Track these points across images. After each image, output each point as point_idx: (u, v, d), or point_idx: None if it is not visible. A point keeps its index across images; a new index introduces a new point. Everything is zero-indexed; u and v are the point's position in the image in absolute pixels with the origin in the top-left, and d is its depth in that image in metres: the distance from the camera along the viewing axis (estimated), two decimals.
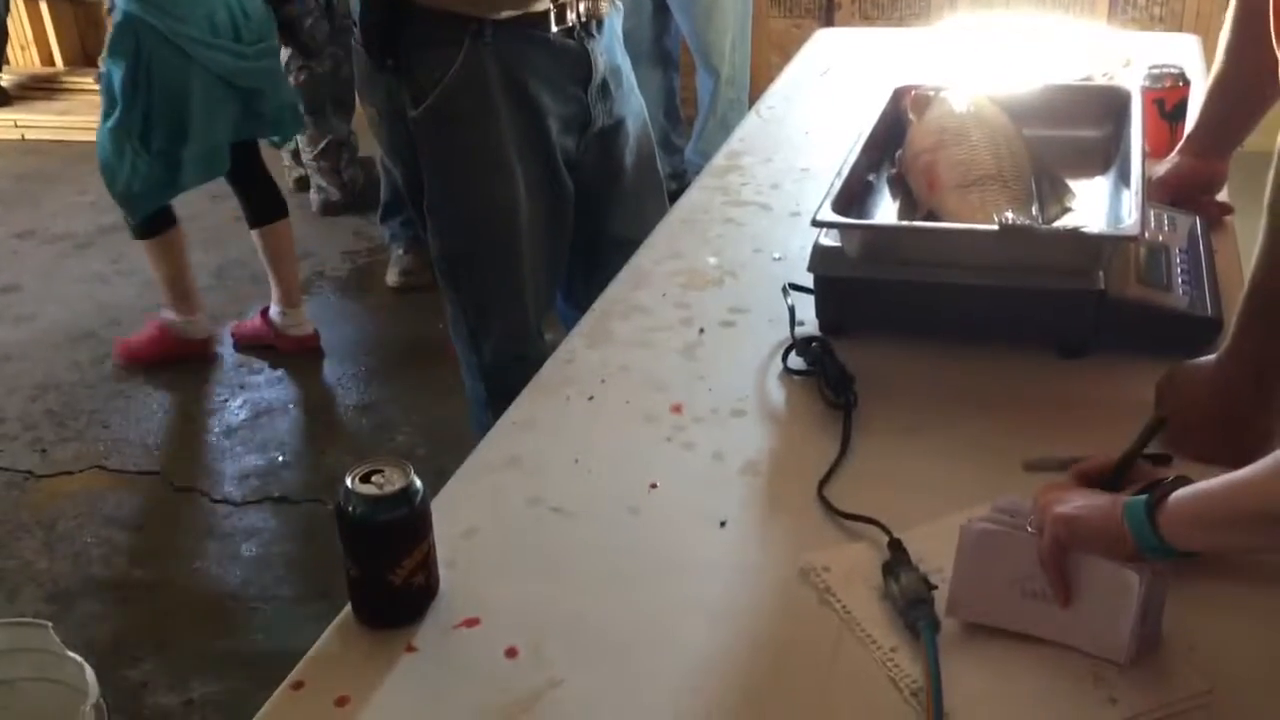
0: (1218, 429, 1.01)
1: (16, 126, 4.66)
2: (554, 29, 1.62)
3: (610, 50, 1.72)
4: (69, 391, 2.91)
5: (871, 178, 1.43)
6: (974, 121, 1.37)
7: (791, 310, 1.29)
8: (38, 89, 4.88)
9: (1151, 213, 1.32)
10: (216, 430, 2.74)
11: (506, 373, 1.62)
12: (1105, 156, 1.46)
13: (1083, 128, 1.51)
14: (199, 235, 3.78)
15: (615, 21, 1.74)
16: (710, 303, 1.40)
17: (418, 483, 0.90)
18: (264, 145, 3.02)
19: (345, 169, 3.84)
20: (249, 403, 2.84)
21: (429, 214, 1.66)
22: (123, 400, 2.86)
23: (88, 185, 4.17)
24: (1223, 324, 1.15)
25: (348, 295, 3.40)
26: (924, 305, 1.23)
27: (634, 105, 1.80)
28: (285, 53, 3.66)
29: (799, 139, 1.91)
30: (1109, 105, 1.50)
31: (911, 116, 1.46)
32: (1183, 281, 1.22)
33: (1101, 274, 1.15)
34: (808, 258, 1.27)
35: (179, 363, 3.00)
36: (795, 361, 1.23)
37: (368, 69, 1.64)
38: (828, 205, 1.23)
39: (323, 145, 3.78)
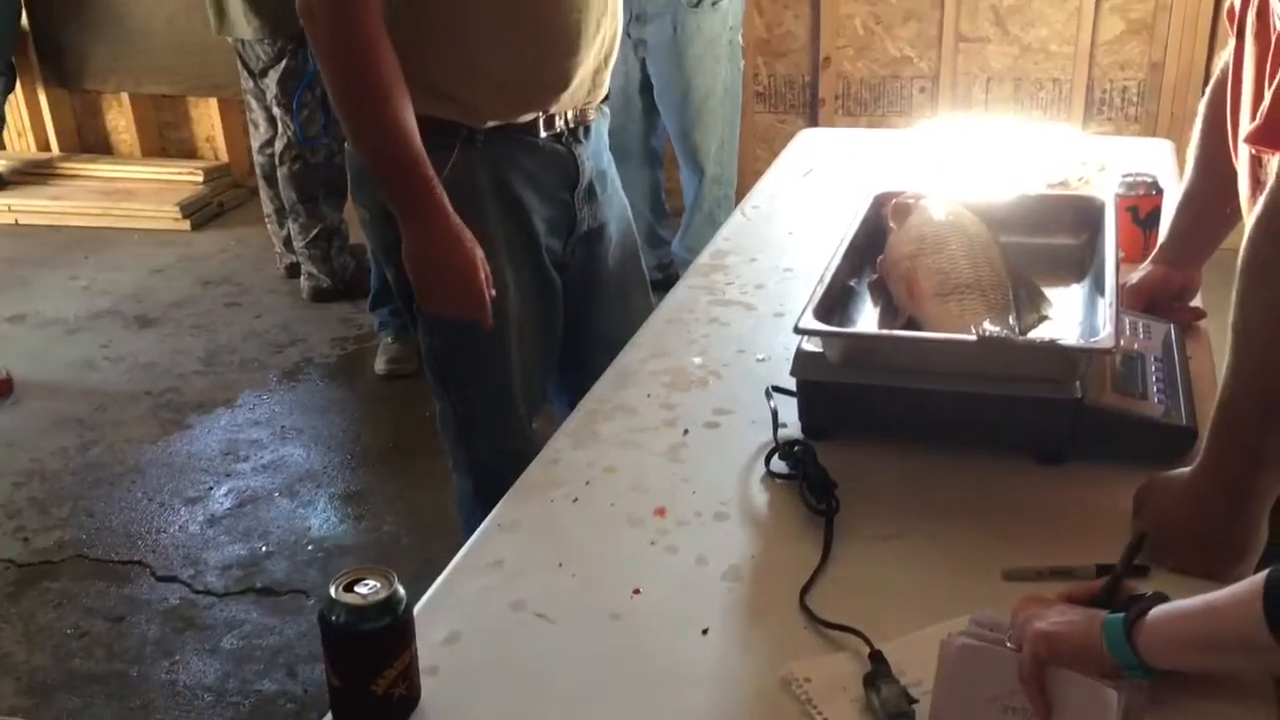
0: (1195, 542, 1.03)
1: (10, 211, 4.70)
2: (542, 135, 1.66)
3: (597, 155, 1.76)
4: (54, 478, 2.90)
5: (853, 283, 1.46)
6: (952, 230, 1.41)
7: (774, 413, 1.30)
8: (33, 174, 4.93)
9: (1126, 320, 1.35)
10: (201, 518, 2.73)
11: (495, 468, 1.63)
12: (1080, 265, 1.49)
13: (1058, 236, 1.55)
14: (189, 320, 3.82)
15: (602, 127, 1.78)
16: (695, 403, 1.42)
17: (401, 591, 0.90)
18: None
19: (336, 256, 3.88)
20: (234, 491, 2.83)
21: (419, 313, 1.68)
22: (107, 487, 2.85)
23: (79, 270, 4.21)
24: (1197, 433, 1.17)
25: (335, 382, 3.41)
26: (905, 411, 1.25)
27: (618, 207, 1.84)
28: (280, 142, 3.74)
29: (783, 239, 1.95)
30: (1083, 214, 1.54)
31: (892, 224, 1.50)
32: (1158, 390, 1.24)
33: (1078, 383, 1.18)
34: (791, 360, 1.30)
35: (166, 450, 3.00)
36: (778, 465, 1.24)
37: (361, 171, 1.67)
38: (810, 312, 1.26)
39: (314, 233, 3.82)
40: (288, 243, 3.99)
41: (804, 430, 1.30)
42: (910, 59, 3.98)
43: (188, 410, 3.22)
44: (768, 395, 1.34)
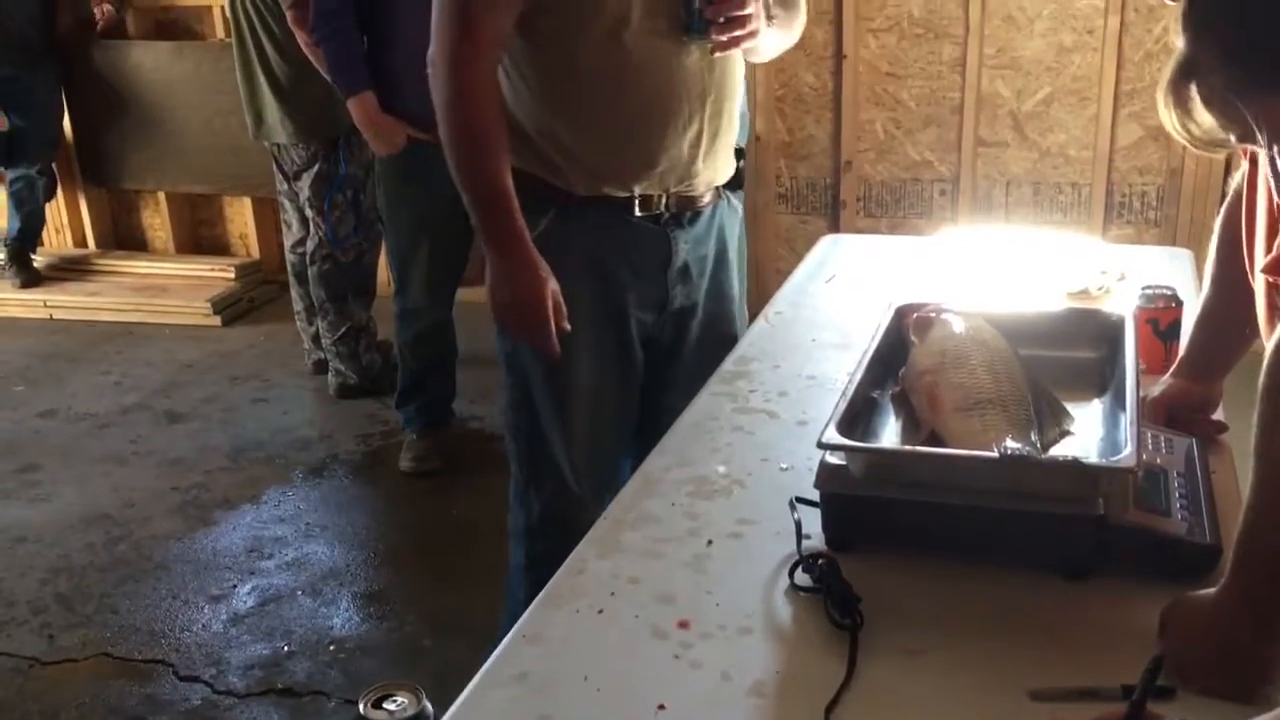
0: (1220, 663, 1.02)
1: (45, 306, 4.80)
2: (636, 213, 1.77)
3: (700, 240, 1.86)
4: (80, 575, 2.92)
5: (875, 394, 1.48)
6: (973, 345, 1.43)
7: (798, 525, 1.31)
8: (69, 270, 5.05)
9: (1148, 435, 1.36)
10: (224, 617, 2.73)
11: (549, 538, 1.68)
12: (1101, 378, 1.51)
13: (1079, 349, 1.56)
14: (218, 415, 3.86)
15: (724, 213, 1.90)
16: (719, 513, 1.43)
17: (429, 708, 0.91)
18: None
19: (364, 354, 3.94)
20: (258, 589, 2.84)
21: (501, 365, 1.75)
22: (133, 584, 2.87)
23: (111, 365, 4.28)
24: (1221, 550, 1.17)
25: (360, 479, 3.44)
26: (928, 525, 1.25)
27: (721, 290, 1.96)
28: (311, 243, 3.82)
29: (806, 346, 1.97)
30: (1104, 329, 1.56)
31: (914, 338, 1.52)
32: (1181, 506, 1.24)
33: (1100, 500, 1.18)
34: (814, 470, 1.31)
35: (191, 546, 3.02)
36: (802, 578, 1.25)
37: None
38: (833, 426, 1.27)
39: (342, 331, 3.88)
40: (316, 339, 4.05)
41: (828, 542, 1.30)
42: (931, 163, 4.05)
43: (214, 506, 3.25)
44: (791, 507, 1.35)
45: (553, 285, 1.71)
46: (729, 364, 1.91)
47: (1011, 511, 1.20)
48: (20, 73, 4.62)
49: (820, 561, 1.24)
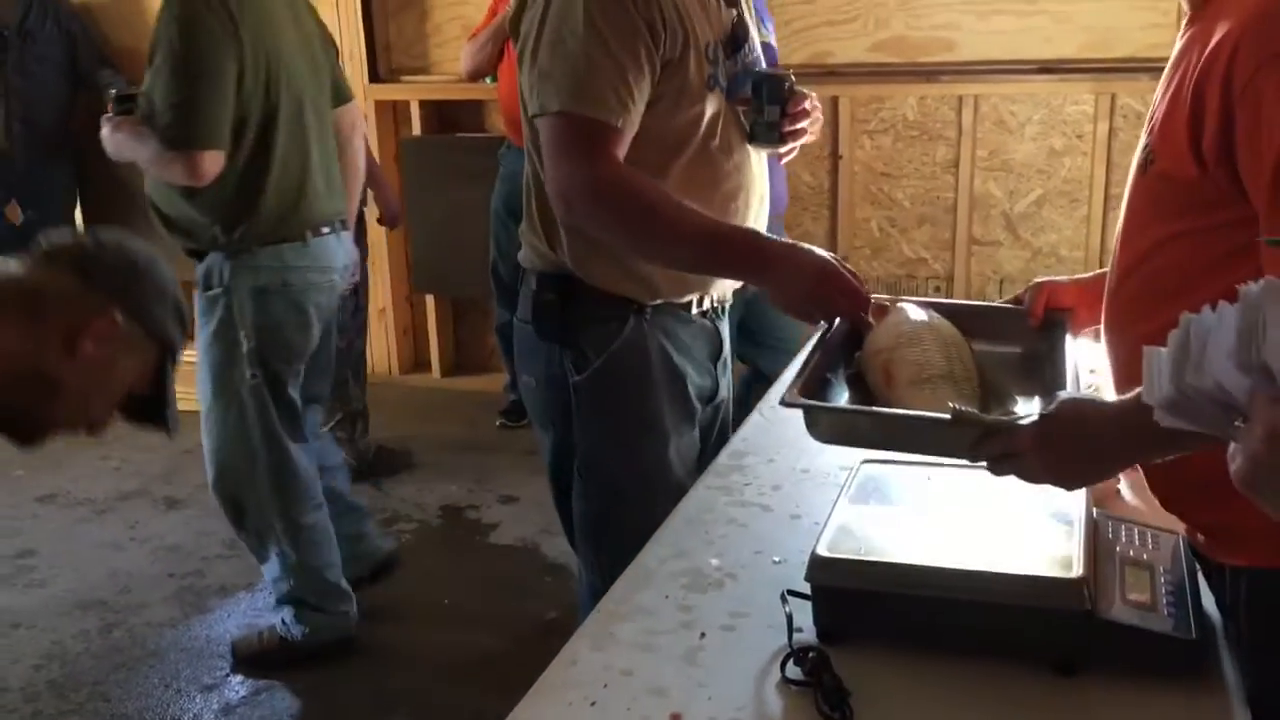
0: (1081, 452, 1.16)
1: None
2: (694, 311, 1.87)
3: (727, 333, 1.97)
4: (74, 661, 2.90)
5: (830, 376, 1.56)
6: (926, 328, 1.54)
7: (789, 618, 1.33)
8: None
9: (1136, 531, 1.38)
10: (215, 706, 2.72)
11: None
12: (1042, 375, 1.57)
13: (1023, 344, 1.66)
14: (215, 501, 3.86)
15: (731, 311, 2.00)
16: (712, 606, 1.44)
17: None
18: None
19: (360, 439, 3.96)
20: (250, 679, 2.82)
21: (579, 476, 1.80)
22: (125, 672, 2.85)
23: (111, 450, 4.29)
24: (1207, 647, 1.19)
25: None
26: (919, 618, 1.27)
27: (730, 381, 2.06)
28: None
29: (800, 439, 1.99)
30: (1046, 326, 1.66)
31: (871, 321, 1.62)
32: (1167, 602, 1.26)
33: (1086, 593, 1.20)
34: (806, 563, 1.33)
35: (186, 634, 3.01)
36: (793, 671, 1.26)
37: (529, 341, 1.87)
38: (794, 390, 1.39)
39: (340, 417, 3.91)
40: None
41: (819, 635, 1.32)
42: (925, 260, 4.13)
43: (209, 594, 3.24)
44: (783, 600, 1.36)
45: (823, 253, 1.69)
46: (724, 457, 1.94)
47: (1000, 606, 1.22)
48: (40, 166, 4.69)
49: (811, 655, 1.25)
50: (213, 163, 2.43)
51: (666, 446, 1.85)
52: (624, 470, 1.87)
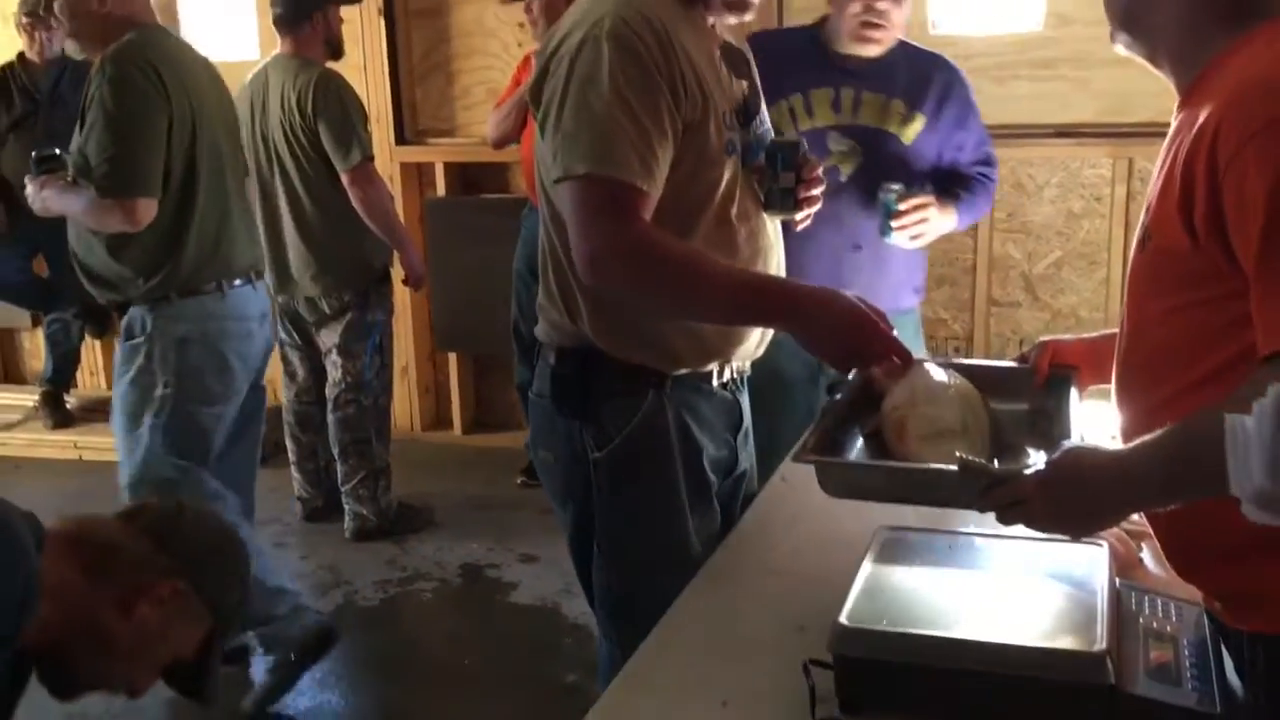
0: (1083, 502, 1.22)
1: (76, 448, 4.88)
2: (714, 382, 1.86)
3: (747, 404, 1.96)
4: None
5: (842, 433, 1.60)
6: (941, 386, 1.58)
7: (812, 690, 1.33)
8: (100, 412, 5.12)
9: (1159, 602, 1.38)
10: None
11: None
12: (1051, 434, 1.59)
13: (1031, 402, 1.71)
14: None
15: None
16: (734, 675, 1.44)
17: None
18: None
19: (381, 496, 3.98)
20: None
21: (599, 552, 1.80)
22: None
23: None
24: None
25: (377, 628, 3.43)
26: (941, 691, 1.27)
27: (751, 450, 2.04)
28: (334, 388, 3.90)
29: (822, 505, 2.00)
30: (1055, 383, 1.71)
31: (888, 380, 1.63)
32: (1191, 676, 1.26)
33: (1110, 666, 1.21)
34: (828, 633, 1.33)
35: None
36: None
37: (547, 416, 1.86)
38: (809, 445, 1.44)
39: (363, 475, 3.93)
40: (315, 485, 4.10)
41: (841, 706, 1.32)
42: (945, 320, 4.14)
43: (228, 650, 3.24)
44: (806, 671, 1.36)
45: (850, 295, 1.70)
46: (745, 523, 1.95)
47: (1023, 678, 1.22)
48: (65, 223, 4.77)
49: None
50: (146, 209, 2.65)
51: (686, 521, 1.83)
52: (644, 545, 1.86)
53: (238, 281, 2.86)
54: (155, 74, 2.66)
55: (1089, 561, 1.39)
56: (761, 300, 1.74)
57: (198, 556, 1.55)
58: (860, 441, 1.64)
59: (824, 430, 1.55)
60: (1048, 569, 1.40)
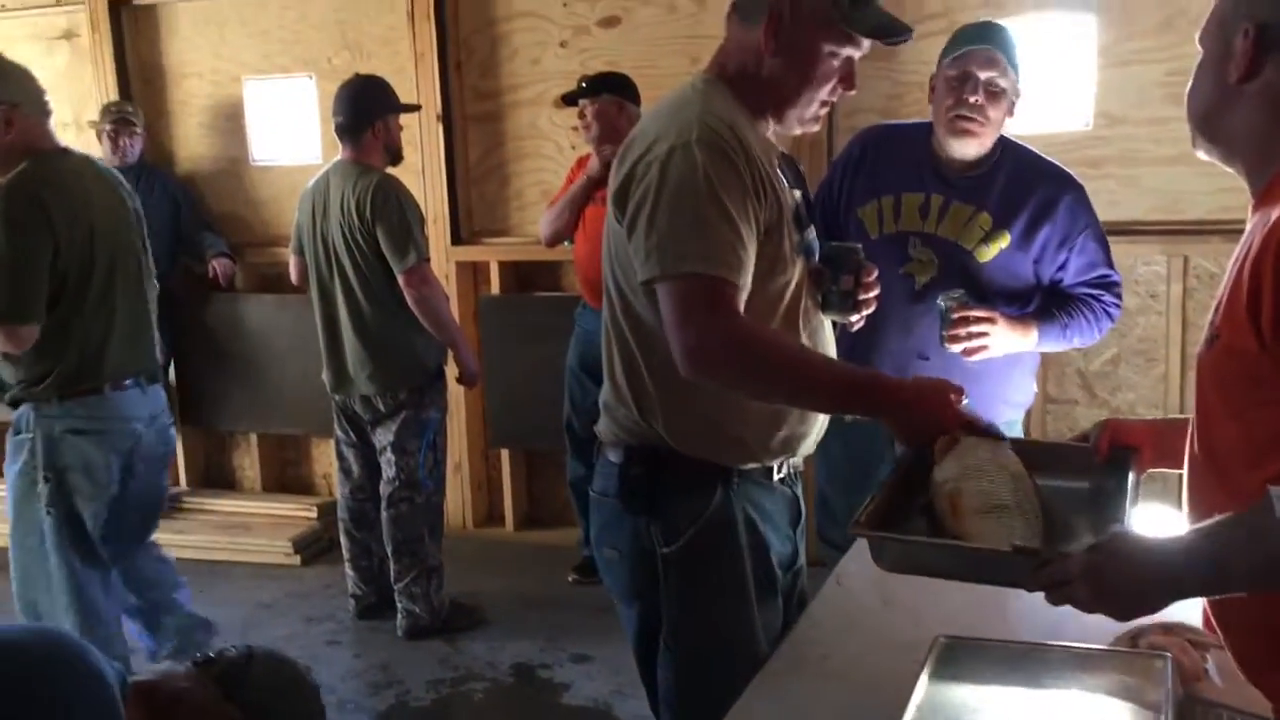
0: (1127, 588, 1.24)
1: None
2: (776, 477, 1.90)
3: (802, 498, 2.01)
4: None
5: (894, 508, 1.61)
6: (991, 461, 1.60)
7: None
8: None
9: (1225, 715, 1.35)
10: None
11: None
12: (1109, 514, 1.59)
13: (1088, 479, 1.72)
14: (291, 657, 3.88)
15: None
16: None
17: None
18: None
19: (434, 594, 3.98)
20: None
21: (665, 648, 1.82)
22: None
23: (193, 604, 4.35)
24: None
25: None
26: None
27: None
28: (388, 487, 3.93)
29: (877, 608, 1.99)
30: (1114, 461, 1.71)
31: (938, 456, 1.66)
32: None
33: None
34: None
35: None
36: None
37: (613, 514, 1.89)
38: (861, 520, 1.47)
39: (415, 573, 3.93)
40: (367, 583, 4.11)
41: None
42: None
43: None
44: None
45: (932, 382, 1.78)
46: (802, 626, 1.93)
47: None
48: None
49: None
50: (29, 334, 2.88)
51: (753, 615, 1.86)
52: (712, 640, 1.87)
53: (127, 382, 3.04)
54: (40, 205, 2.83)
55: (1152, 673, 1.36)
56: (858, 391, 1.79)
57: (265, 703, 1.57)
58: (913, 514, 1.65)
59: (879, 504, 1.57)
60: (1109, 682, 1.37)
